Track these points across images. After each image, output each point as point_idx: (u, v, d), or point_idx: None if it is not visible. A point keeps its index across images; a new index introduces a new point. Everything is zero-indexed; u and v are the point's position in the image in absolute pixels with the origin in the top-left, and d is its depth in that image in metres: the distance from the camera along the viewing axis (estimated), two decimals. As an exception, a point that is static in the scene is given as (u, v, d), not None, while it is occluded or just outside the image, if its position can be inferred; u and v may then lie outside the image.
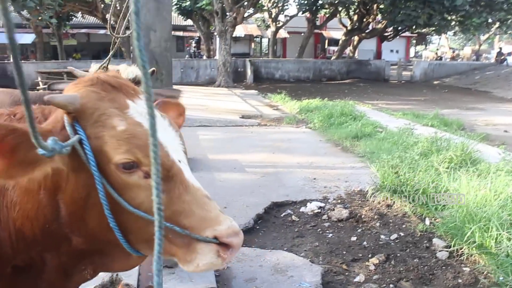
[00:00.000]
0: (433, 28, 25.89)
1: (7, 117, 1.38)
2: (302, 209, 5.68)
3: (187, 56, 32.73)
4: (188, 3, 27.76)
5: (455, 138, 8.22)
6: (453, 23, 25.60)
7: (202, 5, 25.01)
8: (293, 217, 5.44)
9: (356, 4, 25.90)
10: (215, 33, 24.88)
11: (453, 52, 44.92)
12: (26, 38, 29.32)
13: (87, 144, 1.17)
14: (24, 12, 22.59)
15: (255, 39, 43.90)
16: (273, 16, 31.34)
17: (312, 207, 5.70)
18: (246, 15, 23.90)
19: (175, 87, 16.17)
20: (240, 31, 37.64)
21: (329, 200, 5.98)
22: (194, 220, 1.19)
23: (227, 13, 20.98)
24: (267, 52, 41.49)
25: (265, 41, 45.05)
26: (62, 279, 1.44)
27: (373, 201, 5.88)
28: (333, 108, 11.87)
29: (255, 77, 23.81)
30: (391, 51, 41.36)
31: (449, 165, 6.55)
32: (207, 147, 9.01)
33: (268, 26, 35.36)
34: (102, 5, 23.44)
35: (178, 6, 29.02)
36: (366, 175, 6.91)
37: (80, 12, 25.83)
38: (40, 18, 19.27)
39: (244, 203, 5.81)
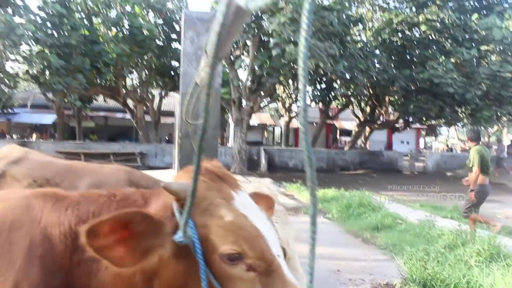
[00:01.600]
0: (444, 120, 26.41)
1: (107, 198, 1.40)
2: (329, 302, 5.50)
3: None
4: (206, 92, 28.73)
5: (479, 231, 8.10)
6: (463, 115, 26.16)
7: (222, 93, 25.95)
8: (320, 311, 5.25)
9: (368, 96, 26.68)
10: (229, 121, 25.51)
11: (464, 144, 45.31)
12: (47, 118, 30.37)
13: (194, 232, 1.16)
14: (49, 94, 23.64)
15: (268, 128, 44.85)
16: (286, 106, 32.23)
17: (339, 300, 5.52)
18: (262, 104, 24.66)
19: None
20: (254, 120, 38.60)
21: (356, 294, 5.80)
22: None
23: (244, 102, 21.64)
24: (279, 141, 42.20)
25: (277, 130, 46.01)
26: None
27: (402, 296, 5.69)
28: (351, 199, 11.83)
29: (268, 165, 24.02)
30: (402, 142, 41.88)
31: (477, 259, 6.39)
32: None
33: (281, 116, 36.28)
34: (124, 91, 24.44)
35: (197, 94, 30.02)
36: (391, 268, 6.74)
37: (101, 95, 26.84)
38: (65, 100, 20.10)
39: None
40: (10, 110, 30.72)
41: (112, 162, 18.19)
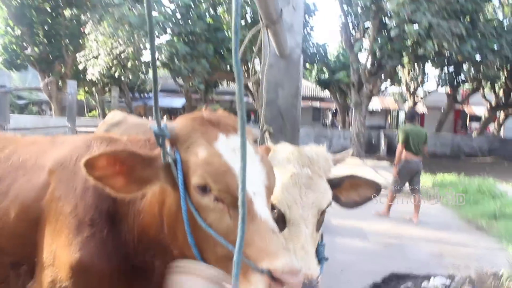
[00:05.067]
0: None
1: (144, 142, 1.70)
2: (424, 283, 5.34)
3: None
4: (326, 75, 28.64)
5: None
6: None
7: (340, 77, 25.69)
8: (414, 291, 5.16)
9: (502, 78, 24.48)
10: (351, 105, 25.21)
11: None
12: (177, 102, 32.65)
13: (179, 166, 1.35)
14: (179, 80, 25.39)
15: (391, 112, 43.31)
16: (411, 90, 30.87)
17: (435, 283, 5.34)
18: (382, 88, 23.95)
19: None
20: (376, 104, 37.50)
21: (456, 279, 5.54)
22: (253, 250, 1.22)
23: (364, 85, 21.22)
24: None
25: (402, 115, 44.23)
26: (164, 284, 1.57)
27: (509, 287, 5.34)
28: (469, 185, 11.16)
29: (388, 149, 23.32)
30: (544, 130, 37.74)
31: None
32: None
33: (405, 100, 34.85)
34: (246, 75, 25.30)
35: (317, 77, 30.07)
36: (502, 258, 6.33)
37: (226, 80, 28.02)
38: (190, 84, 21.45)
39: (362, 269, 5.67)
40: (146, 95, 33.63)
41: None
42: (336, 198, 2.10)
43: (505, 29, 20.55)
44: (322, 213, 1.96)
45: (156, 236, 1.52)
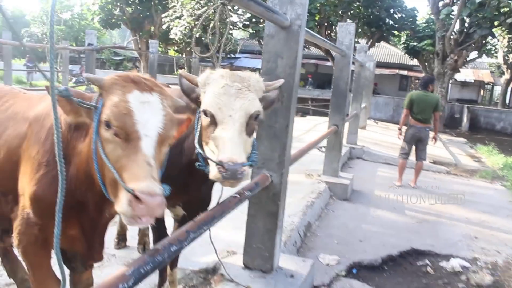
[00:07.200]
0: None
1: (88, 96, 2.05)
2: (443, 263, 5.27)
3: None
4: (415, 42, 27.27)
5: None
6: None
7: (424, 45, 24.45)
8: (428, 269, 5.10)
9: None
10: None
11: None
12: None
13: (100, 106, 1.72)
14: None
15: (486, 86, 40.56)
16: (508, 63, 28.66)
17: (454, 264, 5.23)
18: (469, 58, 22.50)
19: (380, 123, 15.91)
20: (469, 75, 35.34)
21: (478, 263, 5.39)
22: (128, 174, 1.56)
23: (448, 55, 20.09)
24: (498, 101, 37.99)
25: (497, 89, 41.27)
26: (98, 215, 2.08)
27: (531, 278, 5.11)
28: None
29: (471, 125, 22.10)
30: None
31: None
32: (379, 183, 8.94)
33: (502, 73, 32.46)
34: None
35: (405, 45, 28.72)
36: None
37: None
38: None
39: (382, 241, 5.68)
40: (233, 55, 34.39)
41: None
42: None
43: None
44: (251, 117, 2.24)
45: (87, 170, 1.90)
